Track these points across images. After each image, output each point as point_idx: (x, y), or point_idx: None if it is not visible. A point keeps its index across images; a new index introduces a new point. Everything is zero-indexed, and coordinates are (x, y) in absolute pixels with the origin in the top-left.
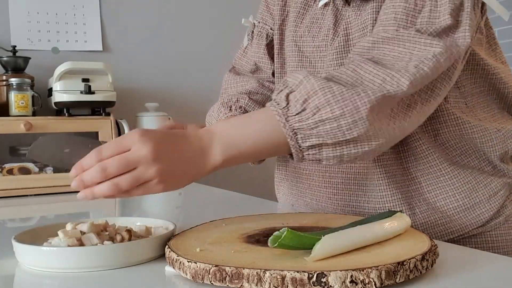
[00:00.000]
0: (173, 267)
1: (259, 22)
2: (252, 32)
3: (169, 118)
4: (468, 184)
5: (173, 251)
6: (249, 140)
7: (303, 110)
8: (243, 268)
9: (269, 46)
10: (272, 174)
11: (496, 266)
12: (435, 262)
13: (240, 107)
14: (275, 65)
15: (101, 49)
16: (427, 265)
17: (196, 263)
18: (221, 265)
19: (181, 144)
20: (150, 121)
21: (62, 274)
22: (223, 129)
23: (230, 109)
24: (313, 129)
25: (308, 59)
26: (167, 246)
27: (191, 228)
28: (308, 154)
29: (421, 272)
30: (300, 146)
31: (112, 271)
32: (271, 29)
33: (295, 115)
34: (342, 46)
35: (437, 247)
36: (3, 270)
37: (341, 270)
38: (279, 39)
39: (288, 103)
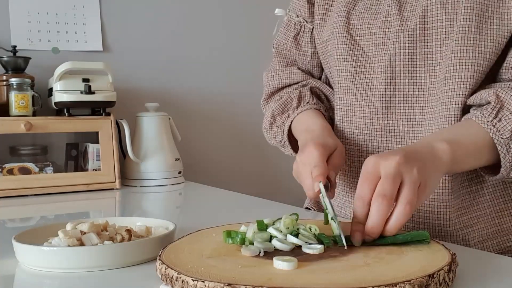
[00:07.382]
0: (172, 286)
1: (289, 11)
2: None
3: (169, 118)
4: None
5: (172, 268)
6: (469, 139)
7: None
8: (262, 287)
9: (297, 37)
10: (272, 173)
11: None
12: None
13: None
14: (319, 55)
15: (101, 49)
16: (452, 277)
17: (203, 282)
18: (235, 284)
19: (414, 147)
20: (150, 121)
21: (62, 274)
22: (436, 136)
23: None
24: None
25: (361, 48)
26: (160, 262)
27: (178, 239)
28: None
29: (448, 285)
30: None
31: (112, 271)
32: (297, 16)
33: None
34: (418, 35)
35: (456, 255)
36: (3, 270)
37: (373, 286)
38: (319, 29)
39: None
